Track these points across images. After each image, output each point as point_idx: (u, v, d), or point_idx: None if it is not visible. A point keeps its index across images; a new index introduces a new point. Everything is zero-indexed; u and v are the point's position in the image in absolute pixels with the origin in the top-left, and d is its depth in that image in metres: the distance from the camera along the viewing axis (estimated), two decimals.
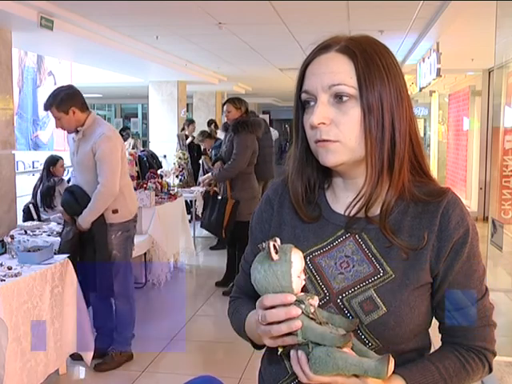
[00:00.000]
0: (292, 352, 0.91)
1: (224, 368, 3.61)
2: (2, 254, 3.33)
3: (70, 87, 3.45)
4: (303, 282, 0.91)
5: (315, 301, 0.90)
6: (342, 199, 1.06)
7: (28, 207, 5.34)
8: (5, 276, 2.87)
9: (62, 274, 3.28)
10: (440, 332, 1.06)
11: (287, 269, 0.87)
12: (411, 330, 0.98)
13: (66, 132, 3.46)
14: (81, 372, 3.57)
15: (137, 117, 18.45)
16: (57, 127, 3.46)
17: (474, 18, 4.84)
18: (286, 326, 0.88)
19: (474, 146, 8.90)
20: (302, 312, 0.87)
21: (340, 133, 0.96)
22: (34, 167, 7.66)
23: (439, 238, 0.99)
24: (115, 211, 3.39)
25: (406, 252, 0.98)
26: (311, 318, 0.87)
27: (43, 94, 7.75)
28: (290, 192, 1.08)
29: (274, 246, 0.88)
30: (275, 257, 0.88)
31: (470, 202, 8.68)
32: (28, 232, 4.32)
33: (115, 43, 6.25)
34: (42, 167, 5.82)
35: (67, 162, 6.15)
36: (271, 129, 10.93)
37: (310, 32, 6.05)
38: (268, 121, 17.40)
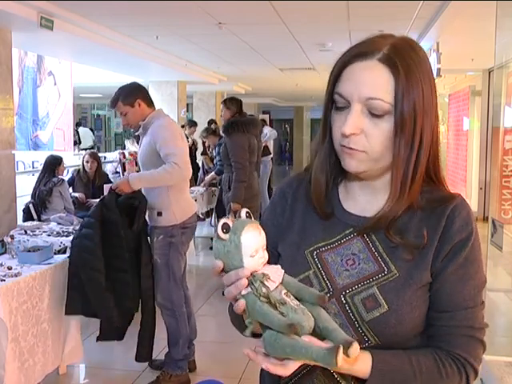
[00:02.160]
0: (251, 330, 0.90)
1: (224, 368, 3.61)
2: (2, 253, 3.33)
3: (135, 83, 3.39)
4: (262, 260, 0.87)
5: (273, 281, 0.86)
6: (354, 198, 1.07)
7: (28, 207, 5.34)
8: (5, 276, 2.87)
9: (62, 274, 3.28)
10: (426, 337, 1.02)
11: (237, 250, 0.84)
12: (411, 329, 0.98)
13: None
14: (81, 372, 3.58)
15: None
16: (123, 124, 3.39)
17: (474, 18, 4.84)
18: (233, 286, 0.87)
19: (474, 146, 8.91)
20: (254, 293, 0.85)
21: (368, 144, 0.96)
22: (33, 167, 7.64)
23: (441, 239, 0.99)
24: (159, 213, 3.23)
25: (412, 252, 0.99)
26: (265, 301, 0.85)
27: (43, 94, 7.74)
28: (312, 187, 1.08)
29: (223, 225, 0.85)
30: (224, 237, 0.85)
31: (470, 201, 8.68)
32: (28, 232, 4.32)
33: (115, 43, 6.25)
34: (41, 168, 5.81)
35: (66, 162, 6.18)
36: (270, 129, 10.97)
37: (310, 32, 6.06)
38: (268, 121, 17.44)
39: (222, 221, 0.86)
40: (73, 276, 3.12)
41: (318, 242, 1.04)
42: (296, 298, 0.88)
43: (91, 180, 6.11)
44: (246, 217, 0.88)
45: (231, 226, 0.85)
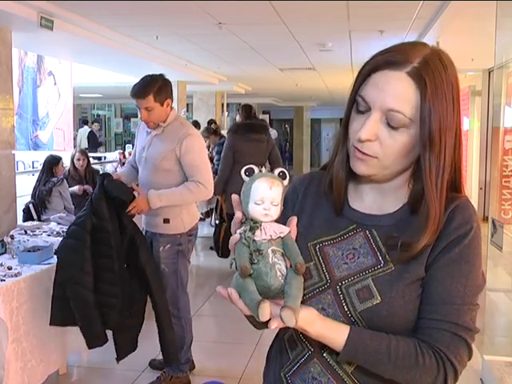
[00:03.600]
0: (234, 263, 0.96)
1: (224, 368, 3.62)
2: (2, 253, 3.33)
3: (165, 77, 3.15)
4: (266, 212, 0.91)
5: (265, 232, 0.91)
6: (361, 197, 1.10)
7: (28, 207, 5.34)
8: (5, 276, 2.87)
9: None
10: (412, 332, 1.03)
11: (248, 193, 0.92)
12: (404, 323, 0.99)
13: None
14: (81, 372, 3.58)
15: (137, 117, 18.37)
16: (143, 119, 3.10)
17: (474, 18, 4.84)
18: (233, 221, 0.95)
19: (474, 146, 8.92)
20: (242, 235, 0.92)
21: (381, 151, 0.98)
22: (33, 167, 7.64)
23: (439, 236, 1.00)
24: (166, 220, 3.09)
25: (411, 250, 0.99)
26: (246, 244, 0.91)
27: (43, 94, 7.74)
28: (333, 183, 1.09)
29: (248, 169, 0.93)
30: (245, 179, 0.93)
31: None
32: (28, 232, 4.32)
33: (115, 43, 6.25)
34: (41, 168, 5.81)
35: (66, 162, 6.18)
36: (270, 129, 10.98)
37: (310, 32, 6.06)
38: (268, 121, 17.44)
39: (249, 166, 0.94)
40: (58, 286, 2.89)
41: (323, 236, 1.08)
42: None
43: (83, 177, 6.12)
44: (279, 175, 0.94)
45: (255, 173, 0.93)
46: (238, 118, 5.71)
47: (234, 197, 0.95)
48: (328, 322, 0.96)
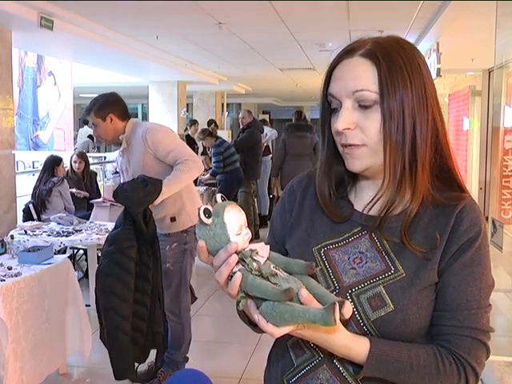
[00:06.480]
0: (245, 302, 0.91)
1: (224, 368, 3.61)
2: (2, 253, 3.33)
3: (113, 94, 3.24)
4: (248, 236, 0.90)
5: (261, 256, 0.89)
6: (362, 197, 1.07)
7: (28, 207, 5.35)
8: (5, 276, 2.87)
9: (62, 274, 3.28)
10: (430, 337, 1.01)
11: (222, 231, 0.88)
12: (417, 330, 0.98)
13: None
14: (81, 372, 3.57)
15: (137, 117, 18.43)
16: (94, 135, 3.31)
17: (474, 17, 4.84)
18: (224, 265, 0.88)
19: (474, 146, 8.91)
20: (246, 269, 0.88)
21: (365, 137, 0.98)
22: (34, 167, 7.65)
23: (449, 239, 0.99)
24: (173, 219, 3.11)
25: (420, 253, 0.98)
26: (257, 274, 0.87)
27: (43, 94, 7.74)
28: (317, 192, 1.09)
29: (205, 210, 0.88)
30: (207, 221, 0.88)
31: None
32: (28, 232, 4.33)
33: (115, 43, 6.25)
34: (41, 167, 5.81)
35: (66, 162, 6.18)
36: (270, 129, 11.03)
37: (310, 32, 6.06)
38: (268, 120, 17.46)
39: (203, 207, 0.88)
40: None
41: (326, 240, 1.05)
42: (285, 271, 0.91)
43: (81, 179, 6.13)
44: (222, 200, 0.91)
45: (212, 210, 0.89)
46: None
47: (202, 246, 0.90)
48: (349, 332, 0.94)
